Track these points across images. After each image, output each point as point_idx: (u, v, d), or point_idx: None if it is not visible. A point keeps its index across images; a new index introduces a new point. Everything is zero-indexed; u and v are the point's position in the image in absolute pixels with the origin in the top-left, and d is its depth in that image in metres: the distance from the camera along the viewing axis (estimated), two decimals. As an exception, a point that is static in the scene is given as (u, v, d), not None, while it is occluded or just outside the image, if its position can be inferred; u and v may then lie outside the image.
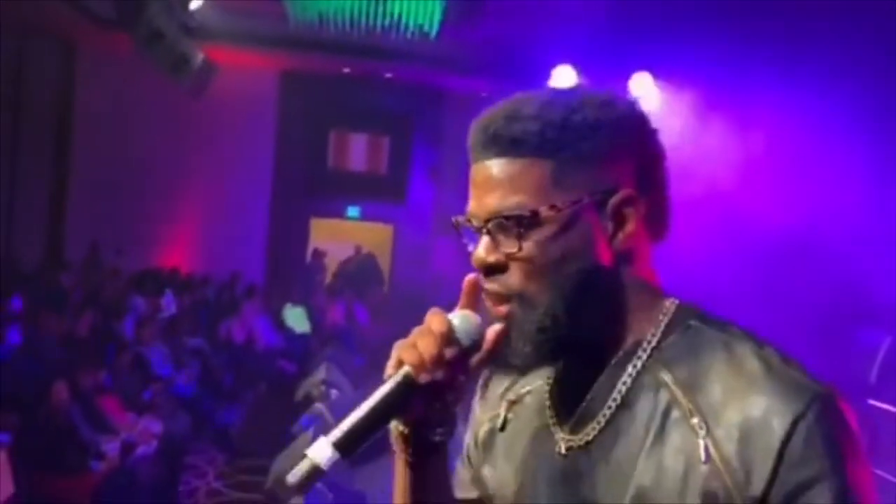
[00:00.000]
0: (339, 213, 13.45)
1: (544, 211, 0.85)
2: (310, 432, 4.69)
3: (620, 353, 0.89)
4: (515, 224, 0.86)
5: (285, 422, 6.54)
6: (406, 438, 0.92)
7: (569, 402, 0.91)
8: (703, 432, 0.80)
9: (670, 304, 0.91)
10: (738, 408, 0.79)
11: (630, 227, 0.87)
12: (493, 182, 0.88)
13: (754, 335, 0.86)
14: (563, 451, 0.90)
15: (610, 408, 0.87)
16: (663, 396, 0.84)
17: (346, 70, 11.81)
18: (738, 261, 6.68)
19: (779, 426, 0.77)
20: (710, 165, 7.50)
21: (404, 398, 0.85)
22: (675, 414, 0.83)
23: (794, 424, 0.77)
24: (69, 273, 9.37)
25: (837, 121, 6.43)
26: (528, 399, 0.99)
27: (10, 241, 9.87)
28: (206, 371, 7.81)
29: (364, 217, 13.51)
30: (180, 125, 11.05)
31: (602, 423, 0.88)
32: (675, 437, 0.82)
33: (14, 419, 4.74)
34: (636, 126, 0.90)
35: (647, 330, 0.89)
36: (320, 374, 6.51)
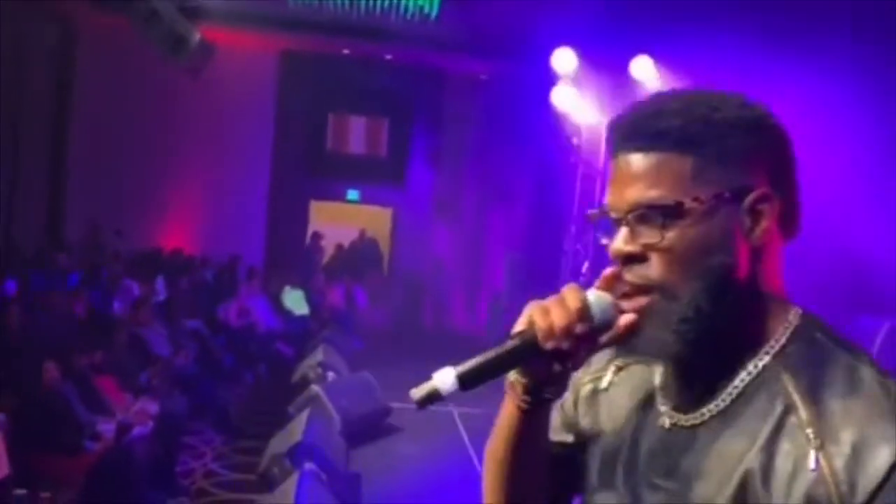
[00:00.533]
0: (339, 196, 13.41)
1: (688, 203, 0.88)
2: (305, 414, 4.70)
3: (747, 347, 0.92)
4: (659, 215, 0.89)
5: (283, 403, 6.56)
6: (522, 388, 0.97)
7: (682, 383, 0.96)
8: (816, 443, 0.84)
9: (796, 311, 0.94)
10: (853, 429, 0.83)
11: (765, 223, 0.90)
12: (635, 175, 0.91)
13: (877, 362, 0.90)
14: (667, 425, 0.96)
15: (724, 400, 0.92)
16: (782, 400, 0.88)
17: (346, 51, 11.74)
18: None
19: (889, 452, 0.81)
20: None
21: (527, 357, 0.91)
22: (791, 420, 0.87)
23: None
24: (68, 254, 9.36)
25: (840, 107, 6.39)
26: (634, 368, 1.05)
27: (10, 223, 9.87)
28: (204, 352, 7.82)
29: (364, 200, 13.48)
30: (179, 107, 11.01)
31: (714, 411, 0.92)
32: (787, 441, 0.86)
33: (10, 400, 4.74)
34: (772, 128, 0.93)
35: (774, 332, 0.92)
36: (317, 356, 6.52)
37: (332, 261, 13.47)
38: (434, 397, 0.90)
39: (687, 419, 0.94)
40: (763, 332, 0.92)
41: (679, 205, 0.88)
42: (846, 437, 0.82)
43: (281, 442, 4.44)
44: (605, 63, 8.75)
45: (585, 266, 8.88)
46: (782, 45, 6.90)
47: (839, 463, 0.81)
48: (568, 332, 0.89)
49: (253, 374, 8.36)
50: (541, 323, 0.89)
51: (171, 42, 7.37)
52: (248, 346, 8.66)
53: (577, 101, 8.90)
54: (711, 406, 0.92)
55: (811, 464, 0.83)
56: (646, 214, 0.89)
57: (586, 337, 0.90)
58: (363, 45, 11.24)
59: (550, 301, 0.91)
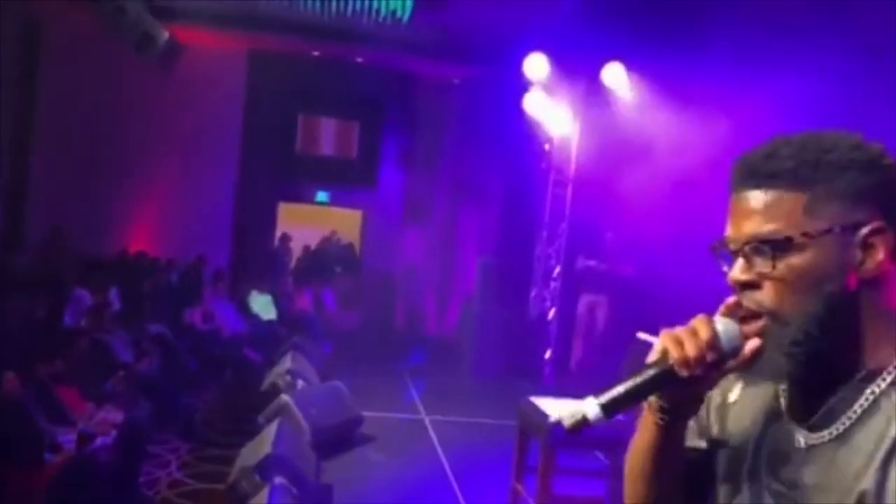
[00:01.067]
0: (308, 198, 13.28)
1: (797, 237, 0.97)
2: (274, 425, 4.60)
3: (864, 373, 0.99)
4: (770, 248, 0.98)
5: (250, 410, 6.44)
6: (660, 408, 1.06)
7: (806, 404, 1.03)
8: None
9: None
10: None
11: (878, 256, 0.97)
12: (750, 211, 1.01)
13: None
14: (793, 442, 1.03)
15: (844, 422, 0.99)
16: (895, 427, 0.95)
17: (316, 53, 11.62)
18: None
19: None
20: (684, 155, 7.52)
21: (664, 384, 1.02)
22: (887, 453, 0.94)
23: None
24: (27, 256, 9.11)
25: (807, 109, 6.45)
26: (760, 385, 1.13)
27: (-33, 224, 9.58)
28: (169, 358, 7.65)
29: (333, 202, 13.37)
30: (146, 106, 10.80)
31: (834, 433, 0.99)
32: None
33: (-34, 409, 4.56)
34: (886, 167, 0.99)
35: (891, 358, 0.99)
36: (286, 363, 6.40)
37: (300, 263, 13.33)
38: (584, 424, 1.01)
39: (809, 438, 1.02)
40: (880, 359, 0.99)
41: (789, 239, 0.97)
42: None
43: (250, 454, 4.33)
44: (577, 69, 8.77)
45: (557, 271, 8.89)
46: (752, 52, 6.97)
47: None
48: (700, 361, 0.98)
49: (219, 380, 8.21)
50: (675, 353, 0.99)
51: (138, 40, 7.21)
52: (214, 351, 8.51)
53: (549, 108, 8.90)
54: (832, 429, 0.99)
55: None
56: (759, 247, 0.99)
57: (717, 364, 1.00)
58: (334, 47, 11.13)
59: (683, 332, 1.00)
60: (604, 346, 8.53)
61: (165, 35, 7.39)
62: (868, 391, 0.98)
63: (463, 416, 6.64)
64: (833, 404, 1.00)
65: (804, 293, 0.97)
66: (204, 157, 11.56)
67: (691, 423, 1.17)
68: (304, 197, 13.26)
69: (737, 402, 1.15)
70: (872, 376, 0.98)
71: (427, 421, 6.43)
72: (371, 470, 5.21)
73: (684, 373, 0.99)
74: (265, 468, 4.01)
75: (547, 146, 9.23)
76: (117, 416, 5.66)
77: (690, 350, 0.98)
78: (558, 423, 1.14)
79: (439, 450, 5.73)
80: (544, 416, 3.77)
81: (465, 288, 11.30)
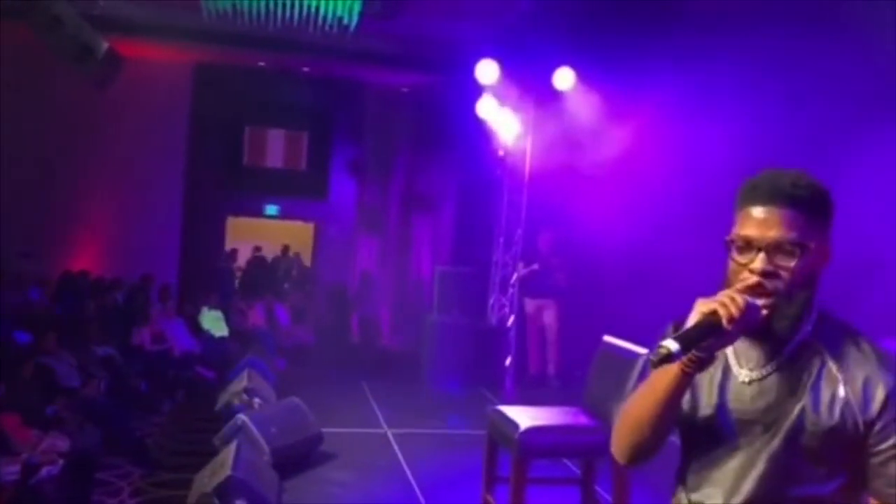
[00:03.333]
0: (257, 212, 13.04)
1: (811, 245, 1.45)
2: (232, 446, 4.41)
3: (789, 328, 1.48)
4: (798, 249, 1.44)
5: (205, 431, 6.21)
6: (691, 359, 1.43)
7: (753, 351, 1.52)
8: (841, 380, 1.45)
9: (815, 307, 1.52)
10: (862, 371, 1.45)
11: (830, 257, 1.50)
12: (776, 221, 1.45)
13: (862, 332, 1.50)
14: (746, 380, 1.52)
15: (781, 360, 1.50)
16: (819, 359, 1.48)
17: (262, 64, 11.42)
18: (673, 241, 6.75)
19: (886, 383, 1.42)
20: (632, 158, 7.57)
21: (712, 333, 1.39)
22: (825, 369, 1.47)
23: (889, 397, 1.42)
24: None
25: (743, 115, 6.57)
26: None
27: None
28: (117, 380, 7.36)
29: (283, 215, 13.15)
30: (88, 120, 10.48)
31: (775, 367, 1.50)
32: (825, 383, 1.46)
33: None
34: (831, 201, 1.50)
35: (807, 318, 1.50)
36: (242, 382, 6.19)
37: (244, 277, 13.06)
38: (669, 357, 1.36)
39: (756, 374, 1.51)
40: (805, 318, 1.49)
41: (807, 245, 1.45)
42: (859, 376, 1.43)
43: (208, 478, 4.14)
44: (528, 75, 8.77)
45: (515, 277, 8.85)
46: (696, 62, 7.07)
47: (857, 389, 1.43)
48: (739, 319, 1.38)
49: (171, 401, 7.94)
50: (724, 312, 1.38)
51: (75, 52, 6.92)
52: (166, 371, 8.23)
53: (502, 114, 8.88)
54: (773, 364, 1.49)
55: (841, 393, 1.44)
56: (784, 247, 1.44)
57: (747, 324, 1.40)
58: (280, 58, 10.94)
59: (725, 298, 1.40)
60: (560, 349, 8.53)
61: (105, 47, 7.12)
62: (794, 340, 1.48)
63: (426, 427, 6.52)
64: (776, 347, 1.49)
65: (806, 283, 1.47)
66: (149, 172, 11.25)
67: None
68: (253, 210, 13.02)
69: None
70: (801, 327, 1.49)
71: (390, 434, 6.29)
72: (335, 488, 5.05)
73: (730, 326, 1.38)
74: (225, 492, 3.84)
75: (501, 152, 9.20)
76: (63, 443, 5.39)
77: (735, 310, 1.38)
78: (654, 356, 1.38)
79: (404, 464, 5.60)
80: (514, 425, 3.69)
81: (422, 297, 11.20)
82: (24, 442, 5.24)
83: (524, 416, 3.75)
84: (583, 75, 8.42)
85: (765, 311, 1.43)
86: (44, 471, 4.99)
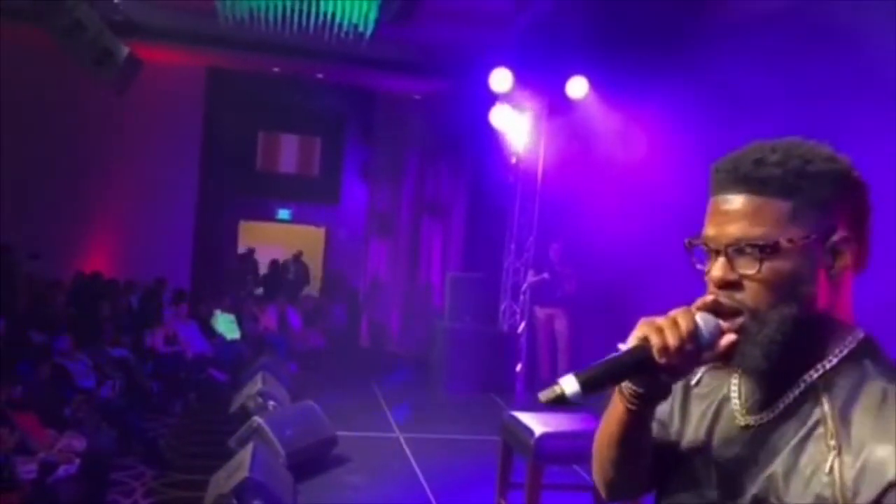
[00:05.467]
0: (270, 216, 13.12)
1: (783, 242, 1.03)
2: (249, 448, 4.47)
3: (802, 364, 1.07)
4: (758, 251, 1.03)
5: (217, 433, 6.26)
6: (631, 393, 1.11)
7: (754, 389, 1.13)
8: (834, 453, 0.98)
9: (854, 337, 1.06)
10: (870, 447, 0.96)
11: (844, 261, 1.05)
12: (737, 214, 1.05)
13: None
14: (741, 424, 1.12)
15: (778, 407, 1.08)
16: (817, 413, 1.03)
17: (276, 69, 11.50)
18: (670, 252, 6.76)
19: (892, 471, 0.93)
20: (646, 167, 7.61)
21: (641, 369, 1.06)
22: (819, 430, 1.02)
23: None
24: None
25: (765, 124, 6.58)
26: (720, 371, 1.20)
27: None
28: (131, 382, 7.43)
29: (295, 219, 13.22)
30: (102, 124, 10.56)
31: (770, 416, 1.08)
32: (812, 447, 1.02)
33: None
34: (854, 179, 1.06)
35: (829, 353, 1.06)
36: (256, 385, 6.25)
37: (267, 279, 13.15)
38: (560, 400, 1.04)
39: (753, 419, 1.11)
40: (820, 353, 1.06)
41: (776, 243, 1.03)
42: (863, 453, 0.96)
43: (225, 479, 4.19)
44: (542, 84, 8.82)
45: (525, 284, 8.89)
46: (711, 75, 7.11)
47: (851, 473, 0.96)
48: (679, 350, 1.03)
49: (183, 403, 8.00)
50: (656, 341, 1.03)
51: (96, 56, 7.01)
52: (178, 373, 8.30)
53: (515, 122, 8.93)
54: (768, 412, 1.09)
55: (827, 468, 0.98)
56: (745, 249, 1.04)
57: (694, 354, 1.05)
58: (294, 63, 11.03)
59: (664, 321, 1.05)
60: (571, 357, 8.55)
61: (125, 51, 7.21)
62: (801, 382, 1.06)
63: (438, 432, 6.56)
64: (777, 390, 1.08)
65: (783, 294, 1.03)
66: (163, 176, 11.33)
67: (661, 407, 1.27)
68: (265, 215, 13.10)
69: (698, 385, 1.24)
70: (808, 368, 1.06)
71: (402, 439, 6.33)
72: (348, 491, 5.09)
73: (663, 360, 1.03)
74: (242, 493, 3.89)
75: (514, 159, 9.25)
76: (80, 443, 5.46)
77: (671, 339, 1.03)
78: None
79: (416, 468, 5.64)
80: (530, 431, 3.72)
81: (433, 302, 11.24)
82: (42, 441, 5.31)
83: (538, 423, 3.79)
84: (596, 84, 8.46)
85: (730, 337, 1.05)
86: (60, 470, 5.05)
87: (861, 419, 0.98)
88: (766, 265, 1.03)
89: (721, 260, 1.06)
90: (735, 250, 1.05)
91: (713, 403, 1.18)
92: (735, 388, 1.16)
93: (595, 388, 1.04)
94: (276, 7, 8.87)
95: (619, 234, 7.88)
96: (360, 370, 9.41)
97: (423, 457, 5.82)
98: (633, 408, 1.13)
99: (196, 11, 8.92)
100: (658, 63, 7.77)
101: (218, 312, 9.93)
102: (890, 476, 0.92)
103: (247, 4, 8.70)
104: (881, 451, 0.95)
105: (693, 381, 1.24)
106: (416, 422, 6.82)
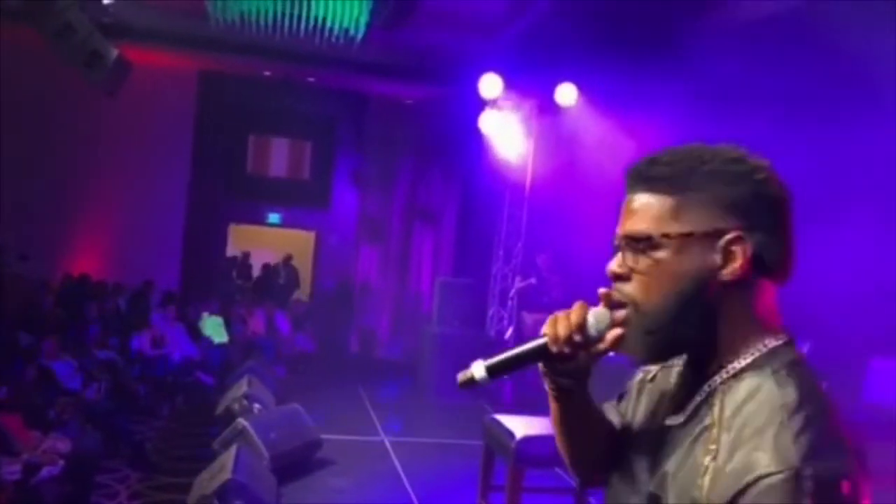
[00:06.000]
0: (260, 219, 13.10)
1: (657, 237, 1.06)
2: (232, 450, 4.47)
3: (714, 368, 1.08)
4: (637, 244, 1.07)
5: (203, 436, 6.25)
6: (547, 379, 1.19)
7: (677, 390, 1.16)
8: (710, 457, 1.00)
9: (764, 345, 1.06)
10: (741, 452, 0.96)
11: (737, 262, 1.04)
12: (631, 210, 1.11)
13: (815, 398, 0.99)
14: (664, 423, 1.14)
15: (688, 410, 1.09)
16: (708, 418, 1.04)
17: (268, 73, 11.52)
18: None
19: (751, 476, 0.92)
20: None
21: (539, 357, 1.15)
22: (705, 435, 1.03)
23: (758, 480, 0.92)
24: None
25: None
26: (673, 369, 1.21)
27: None
28: (117, 384, 7.42)
29: (285, 223, 13.21)
30: (92, 126, 10.55)
31: (682, 419, 1.10)
32: (698, 451, 1.03)
33: None
34: (755, 182, 1.05)
35: (738, 357, 1.06)
36: (242, 387, 6.25)
37: (259, 283, 13.13)
38: (472, 383, 1.14)
39: (672, 419, 1.12)
40: (729, 357, 1.06)
41: (649, 237, 1.06)
42: (735, 457, 0.96)
43: (208, 481, 4.19)
44: (531, 90, 8.87)
45: (513, 290, 8.92)
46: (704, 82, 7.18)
47: (720, 475, 0.96)
48: (568, 340, 1.11)
49: (170, 406, 8.00)
50: (549, 331, 1.12)
51: (85, 58, 7.01)
52: (165, 376, 8.29)
53: (504, 128, 8.98)
54: (683, 413, 1.10)
55: (702, 472, 0.99)
56: (630, 243, 1.09)
57: (583, 345, 1.11)
58: (285, 67, 11.04)
59: (562, 314, 1.13)
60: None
61: (115, 53, 7.22)
62: (706, 386, 1.08)
63: (423, 437, 6.57)
64: (688, 393, 1.11)
65: (662, 288, 1.05)
66: (153, 178, 11.33)
67: (612, 403, 1.34)
68: (255, 218, 13.08)
69: (654, 380, 1.25)
70: (717, 372, 1.07)
71: (387, 442, 6.34)
72: (332, 494, 5.10)
73: (554, 349, 1.11)
74: (225, 495, 3.89)
75: (503, 166, 9.30)
76: (64, 444, 5.45)
77: (561, 330, 1.11)
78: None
79: (401, 472, 5.65)
80: (510, 434, 3.75)
81: (422, 307, 11.26)
82: (26, 443, 5.29)
83: (520, 425, 3.82)
84: (585, 91, 8.51)
85: (616, 330, 1.10)
86: (44, 471, 5.04)
87: (741, 426, 0.98)
88: (644, 259, 1.06)
89: (618, 254, 1.11)
90: (624, 245, 1.10)
91: (656, 400, 1.21)
92: (673, 387, 1.18)
93: (499, 373, 1.14)
94: (267, 10, 8.90)
95: (607, 241, 7.92)
96: (349, 375, 9.42)
97: (407, 460, 5.84)
98: (554, 395, 1.21)
99: (187, 14, 8.93)
100: (647, 70, 7.83)
101: (206, 315, 9.92)
102: (748, 478, 0.92)
103: (238, 7, 8.72)
104: (746, 456, 0.95)
105: (649, 377, 1.26)
106: (402, 426, 6.84)
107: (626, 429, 1.26)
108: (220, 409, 6.29)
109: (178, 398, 8.15)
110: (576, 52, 8.28)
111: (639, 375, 1.30)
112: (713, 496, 0.95)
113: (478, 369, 1.13)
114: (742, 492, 0.92)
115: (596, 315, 1.12)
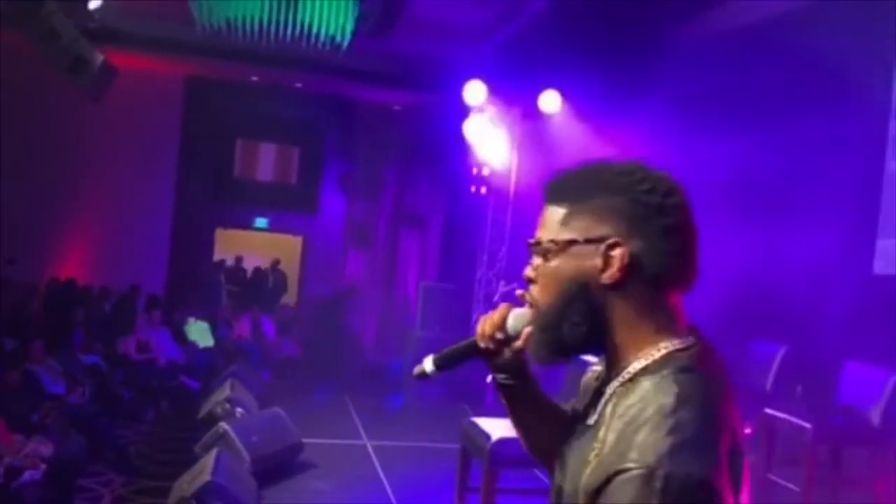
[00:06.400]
0: (247, 224, 13.12)
1: (546, 243, 1.15)
2: (213, 453, 4.51)
3: (617, 370, 1.13)
4: (537, 251, 1.17)
5: (187, 440, 6.28)
6: (498, 381, 1.29)
7: (595, 392, 1.20)
8: (595, 452, 1.05)
9: (665, 347, 1.10)
10: (617, 449, 1.01)
11: (615, 267, 1.09)
12: (540, 221, 1.19)
13: (691, 404, 1.02)
14: (585, 422, 1.18)
15: (596, 411, 1.14)
16: (602, 420, 1.10)
17: (255, 78, 11.55)
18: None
19: (614, 469, 0.98)
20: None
21: (473, 352, 1.26)
22: (598, 433, 1.08)
23: (619, 473, 0.97)
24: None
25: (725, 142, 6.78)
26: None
27: None
28: (102, 389, 7.43)
29: (273, 228, 13.23)
30: (79, 130, 10.57)
31: (592, 420, 1.14)
32: (589, 450, 1.07)
33: None
34: (637, 192, 1.11)
35: (634, 360, 1.11)
36: (225, 391, 6.28)
37: (249, 286, 13.14)
38: (423, 376, 1.27)
39: (589, 420, 1.16)
40: (630, 360, 1.11)
41: (539, 243, 1.16)
42: (611, 454, 1.00)
43: (188, 483, 4.23)
44: (515, 97, 8.95)
45: (497, 296, 8.98)
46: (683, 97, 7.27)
47: (596, 471, 1.01)
48: (490, 337, 1.22)
49: (155, 410, 8.01)
50: (478, 329, 1.24)
51: (70, 63, 7.04)
52: (150, 380, 8.30)
53: (488, 134, 9.05)
54: (594, 414, 1.15)
55: (588, 471, 1.03)
56: (533, 250, 1.18)
57: (504, 342, 1.22)
58: (272, 73, 11.09)
59: (490, 313, 1.24)
60: (539, 367, 8.61)
61: (100, 59, 7.25)
62: (609, 387, 1.13)
63: (405, 440, 6.62)
64: (599, 395, 1.16)
65: (553, 291, 1.14)
66: (139, 183, 11.34)
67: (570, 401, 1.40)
68: (242, 223, 13.10)
69: (598, 379, 1.27)
70: (618, 375, 1.12)
71: (369, 446, 6.39)
72: (312, 497, 5.14)
73: (482, 345, 1.24)
74: (204, 497, 3.93)
75: (487, 171, 9.36)
76: (47, 448, 5.46)
77: (486, 328, 1.23)
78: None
79: (382, 475, 5.70)
80: (486, 435, 3.80)
81: (408, 312, 11.30)
82: (8, 446, 5.31)
83: (496, 427, 3.87)
84: (569, 98, 8.60)
85: (527, 329, 1.19)
86: (26, 475, 5.06)
87: (624, 425, 1.02)
88: (541, 264, 1.16)
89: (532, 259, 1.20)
90: (532, 251, 1.19)
91: (587, 400, 1.25)
92: (595, 388, 1.24)
93: (444, 367, 1.27)
94: (253, 16, 8.94)
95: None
96: (334, 379, 9.47)
97: (389, 463, 5.89)
98: (499, 389, 1.31)
99: (174, 20, 8.96)
100: (630, 77, 7.93)
101: (192, 320, 9.94)
102: (612, 470, 0.97)
103: (224, 13, 8.76)
104: (618, 452, 0.99)
105: (594, 377, 1.30)
106: (384, 429, 6.88)
107: (571, 424, 1.30)
108: (202, 412, 6.32)
109: (163, 402, 8.16)
110: (560, 60, 8.36)
111: (588, 374, 1.34)
112: (587, 487, 1.01)
113: (427, 363, 1.25)
114: (606, 482, 0.98)
115: (516, 315, 1.22)
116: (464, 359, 1.27)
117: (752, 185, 6.77)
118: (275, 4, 8.86)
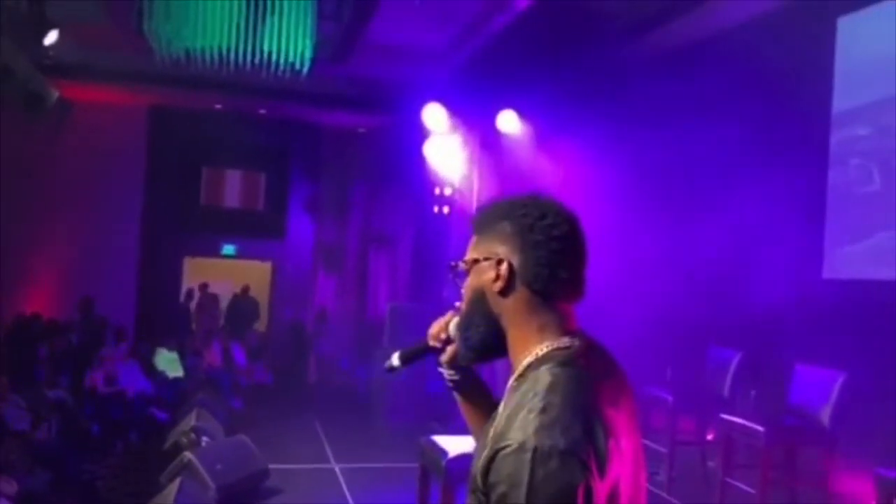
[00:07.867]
0: (214, 252, 13.09)
1: (460, 264, 1.38)
2: (176, 482, 4.52)
3: (515, 367, 1.31)
4: (461, 269, 1.38)
5: (157, 472, 6.25)
6: (449, 377, 1.53)
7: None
8: (490, 436, 1.20)
9: (548, 346, 1.28)
10: (499, 434, 1.17)
11: (500, 279, 1.30)
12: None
13: (560, 391, 1.18)
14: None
15: (502, 405, 1.27)
16: (499, 409, 1.26)
17: (218, 106, 11.61)
18: (598, 281, 7.00)
19: (496, 447, 1.14)
20: (574, 197, 7.86)
21: (427, 349, 1.50)
22: (492, 423, 1.25)
23: (499, 451, 1.13)
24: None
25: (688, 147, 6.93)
26: None
27: None
28: (68, 424, 7.37)
29: (241, 255, 13.22)
30: (43, 164, 10.53)
31: (499, 411, 1.26)
32: (487, 437, 1.22)
33: None
34: (521, 219, 1.31)
35: (525, 358, 1.28)
36: (190, 421, 6.27)
37: (228, 314, 13.06)
38: (392, 369, 1.52)
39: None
40: (521, 357, 1.29)
41: (456, 265, 1.40)
42: (499, 440, 1.14)
43: (151, 513, 4.23)
44: (474, 118, 9.10)
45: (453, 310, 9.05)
46: (635, 108, 7.44)
47: (486, 451, 1.16)
48: (437, 338, 1.48)
49: (123, 443, 7.94)
50: (430, 331, 1.50)
51: (26, 100, 7.06)
52: (118, 413, 8.24)
53: (449, 155, 9.17)
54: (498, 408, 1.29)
55: (482, 463, 1.16)
56: (452, 270, 1.41)
57: (447, 342, 1.46)
58: (235, 100, 11.15)
59: (439, 319, 1.49)
60: (497, 383, 8.68)
61: (55, 94, 7.27)
62: (509, 383, 1.28)
63: (374, 462, 6.64)
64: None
65: (466, 300, 1.36)
66: (105, 214, 11.33)
67: None
68: (210, 250, 13.08)
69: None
70: (514, 371, 1.29)
71: (337, 469, 6.41)
72: (278, 522, 5.15)
73: (431, 343, 1.49)
74: (165, 528, 3.94)
75: (449, 191, 9.47)
76: (11, 487, 5.43)
77: (434, 329, 1.49)
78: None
79: (349, 497, 5.72)
80: (443, 452, 3.87)
81: (379, 334, 11.33)
82: (-30, 486, 5.26)
83: (453, 444, 3.93)
84: (527, 117, 8.75)
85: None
86: (-12, 514, 5.02)
87: (511, 412, 1.19)
88: (462, 280, 1.38)
89: None
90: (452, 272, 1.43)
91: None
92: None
93: (407, 361, 1.50)
94: (212, 46, 9.01)
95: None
96: (305, 404, 9.46)
97: (356, 486, 5.91)
98: (448, 384, 1.53)
99: (133, 51, 9.00)
100: (587, 97, 8.10)
101: (160, 350, 9.89)
102: (495, 448, 1.14)
103: (182, 44, 8.82)
104: (502, 434, 1.16)
105: None
106: (353, 452, 6.90)
107: None
108: (168, 443, 6.30)
109: (132, 435, 8.10)
110: (516, 80, 8.53)
111: None
112: (481, 469, 1.17)
113: (395, 359, 1.50)
114: (491, 459, 1.14)
115: (455, 321, 1.44)
116: (422, 355, 1.51)
117: (703, 196, 6.94)
118: (233, 33, 8.94)
